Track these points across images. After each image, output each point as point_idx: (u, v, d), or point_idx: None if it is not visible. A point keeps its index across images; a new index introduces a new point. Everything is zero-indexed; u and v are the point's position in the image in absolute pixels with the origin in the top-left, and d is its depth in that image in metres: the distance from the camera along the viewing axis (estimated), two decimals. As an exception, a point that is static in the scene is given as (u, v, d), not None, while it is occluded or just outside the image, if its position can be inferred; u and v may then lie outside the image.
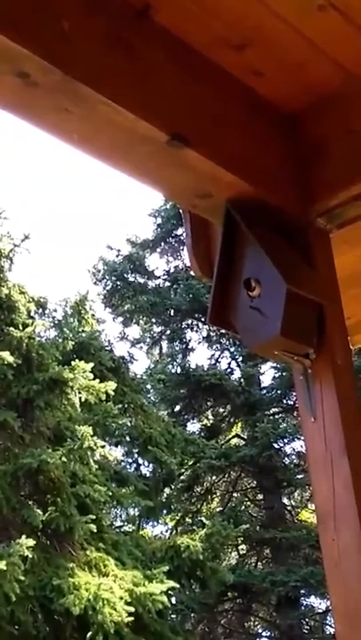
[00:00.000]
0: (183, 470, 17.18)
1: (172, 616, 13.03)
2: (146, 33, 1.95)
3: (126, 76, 1.86)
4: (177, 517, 18.21)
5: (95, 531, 10.46)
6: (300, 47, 2.08)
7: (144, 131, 1.87)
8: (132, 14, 1.93)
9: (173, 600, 12.18)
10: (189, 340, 20.01)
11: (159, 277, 20.35)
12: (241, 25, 2.02)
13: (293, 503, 19.30)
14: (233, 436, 19.52)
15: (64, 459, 10.33)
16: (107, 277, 19.74)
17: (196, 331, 20.03)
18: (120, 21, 1.90)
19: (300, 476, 17.64)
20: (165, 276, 20.32)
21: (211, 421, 19.81)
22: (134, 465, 16.19)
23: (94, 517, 10.50)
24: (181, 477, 17.32)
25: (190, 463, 17.04)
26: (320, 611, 17.64)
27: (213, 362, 19.80)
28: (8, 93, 1.75)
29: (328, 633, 17.10)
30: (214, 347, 19.95)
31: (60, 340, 13.42)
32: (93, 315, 15.42)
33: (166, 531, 18.04)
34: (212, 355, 20.00)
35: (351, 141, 2.18)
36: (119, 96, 1.80)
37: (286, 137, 2.27)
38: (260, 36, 2.05)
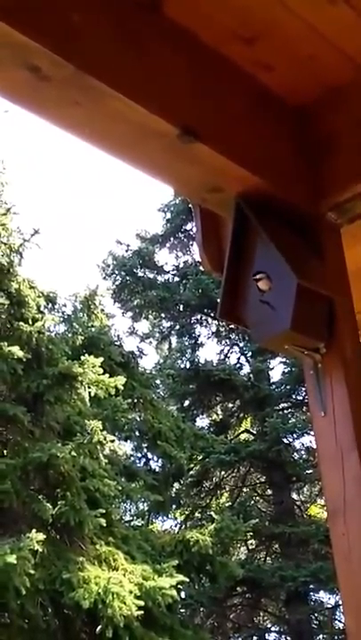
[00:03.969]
0: (192, 465, 17.20)
1: (182, 610, 13.06)
2: (156, 27, 1.95)
3: (137, 69, 1.86)
4: (186, 512, 18.25)
5: (105, 525, 10.47)
6: (311, 40, 2.07)
7: (154, 125, 1.87)
8: (142, 8, 1.93)
9: (183, 594, 12.19)
10: (199, 335, 20.02)
11: (168, 272, 20.35)
12: (251, 18, 2.02)
13: (303, 498, 19.31)
14: (242, 431, 19.53)
15: (74, 453, 10.34)
16: (116, 272, 19.75)
17: (206, 326, 20.04)
18: (130, 15, 1.89)
19: (309, 471, 17.64)
20: (175, 271, 20.31)
21: (220, 416, 19.82)
22: (144, 459, 16.21)
23: (104, 511, 10.51)
24: (191, 472, 17.34)
25: (200, 458, 17.07)
26: (329, 606, 17.66)
27: (223, 357, 19.81)
28: (19, 87, 1.75)
29: (338, 628, 17.12)
30: (224, 342, 19.95)
31: (70, 335, 13.43)
32: (103, 309, 15.43)
33: (176, 525, 18.08)
34: (222, 350, 20.01)
35: (362, 135, 2.18)
36: (130, 90, 1.80)
37: (297, 130, 2.26)
38: (270, 30, 2.04)
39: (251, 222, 2.07)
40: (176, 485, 17.45)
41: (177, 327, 20.07)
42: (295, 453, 18.33)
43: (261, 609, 18.23)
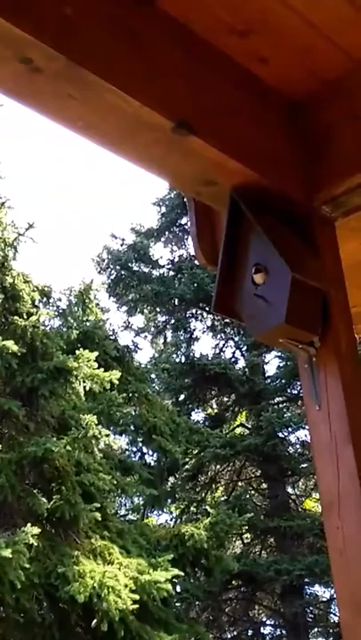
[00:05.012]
0: (188, 459, 17.22)
1: (177, 604, 13.06)
2: (150, 19, 1.94)
3: (130, 62, 1.85)
4: (181, 506, 18.26)
5: (100, 519, 10.47)
6: (305, 33, 2.07)
7: (149, 118, 1.86)
8: (137, 1, 1.92)
9: (178, 588, 12.21)
10: (194, 330, 20.03)
11: (163, 266, 20.34)
12: (245, 11, 2.01)
13: (298, 492, 19.34)
14: (237, 425, 19.54)
15: (69, 447, 10.33)
16: (111, 266, 19.73)
17: (201, 320, 20.04)
18: (124, 8, 1.89)
19: (304, 465, 17.67)
20: (170, 266, 20.31)
21: (215, 410, 19.83)
22: (139, 454, 16.22)
23: (99, 506, 10.51)
24: (186, 466, 17.36)
25: (195, 452, 17.08)
26: (324, 599, 17.71)
27: (218, 351, 19.81)
28: (12, 79, 1.74)
29: (332, 621, 17.17)
30: (219, 336, 19.95)
31: (65, 329, 13.42)
32: (98, 304, 15.40)
33: (171, 519, 18.10)
34: (217, 344, 20.02)
35: (357, 128, 2.17)
36: (124, 83, 1.80)
37: (292, 124, 2.26)
38: (264, 22, 2.04)
39: (245, 216, 2.06)
40: (171, 479, 17.47)
41: (172, 321, 20.07)
42: (290, 447, 18.35)
43: (257, 602, 18.27)
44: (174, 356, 19.66)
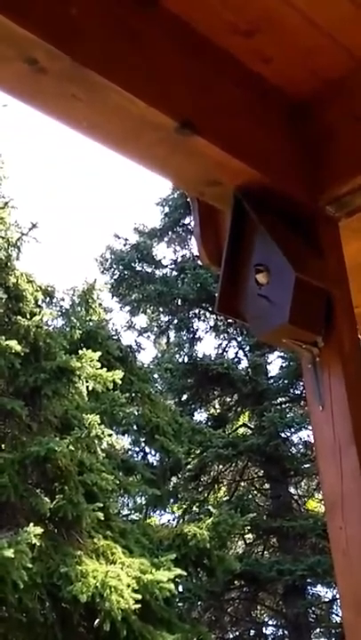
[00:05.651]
0: (190, 459, 17.21)
1: (179, 604, 13.06)
2: (154, 20, 1.94)
3: (135, 62, 1.85)
4: (184, 506, 18.25)
5: (102, 519, 10.47)
6: (309, 33, 2.07)
7: (153, 118, 1.86)
8: (141, 1, 1.92)
9: (180, 588, 12.19)
10: (197, 330, 20.00)
11: (166, 266, 20.33)
12: (249, 11, 2.01)
13: (300, 492, 19.32)
14: (240, 426, 19.53)
15: (71, 447, 10.34)
16: (114, 266, 19.73)
17: (204, 320, 20.02)
18: (128, 8, 1.89)
19: (306, 466, 17.66)
20: (173, 266, 20.29)
21: (218, 411, 19.82)
22: (141, 454, 16.22)
23: (102, 505, 10.51)
24: (188, 466, 17.35)
25: (197, 452, 17.07)
26: (327, 600, 17.69)
27: (221, 351, 19.80)
28: (16, 80, 1.75)
29: (335, 622, 17.15)
30: (221, 336, 19.94)
31: (68, 329, 13.41)
32: (101, 304, 15.38)
33: (173, 519, 18.09)
34: (220, 344, 20.00)
35: (358, 128, 2.17)
36: (128, 83, 1.80)
37: (295, 124, 2.26)
38: (268, 22, 2.04)
39: (249, 216, 2.06)
40: (174, 479, 17.47)
41: (175, 321, 20.06)
42: (293, 447, 18.34)
43: (259, 603, 18.26)
44: (177, 356, 19.66)
